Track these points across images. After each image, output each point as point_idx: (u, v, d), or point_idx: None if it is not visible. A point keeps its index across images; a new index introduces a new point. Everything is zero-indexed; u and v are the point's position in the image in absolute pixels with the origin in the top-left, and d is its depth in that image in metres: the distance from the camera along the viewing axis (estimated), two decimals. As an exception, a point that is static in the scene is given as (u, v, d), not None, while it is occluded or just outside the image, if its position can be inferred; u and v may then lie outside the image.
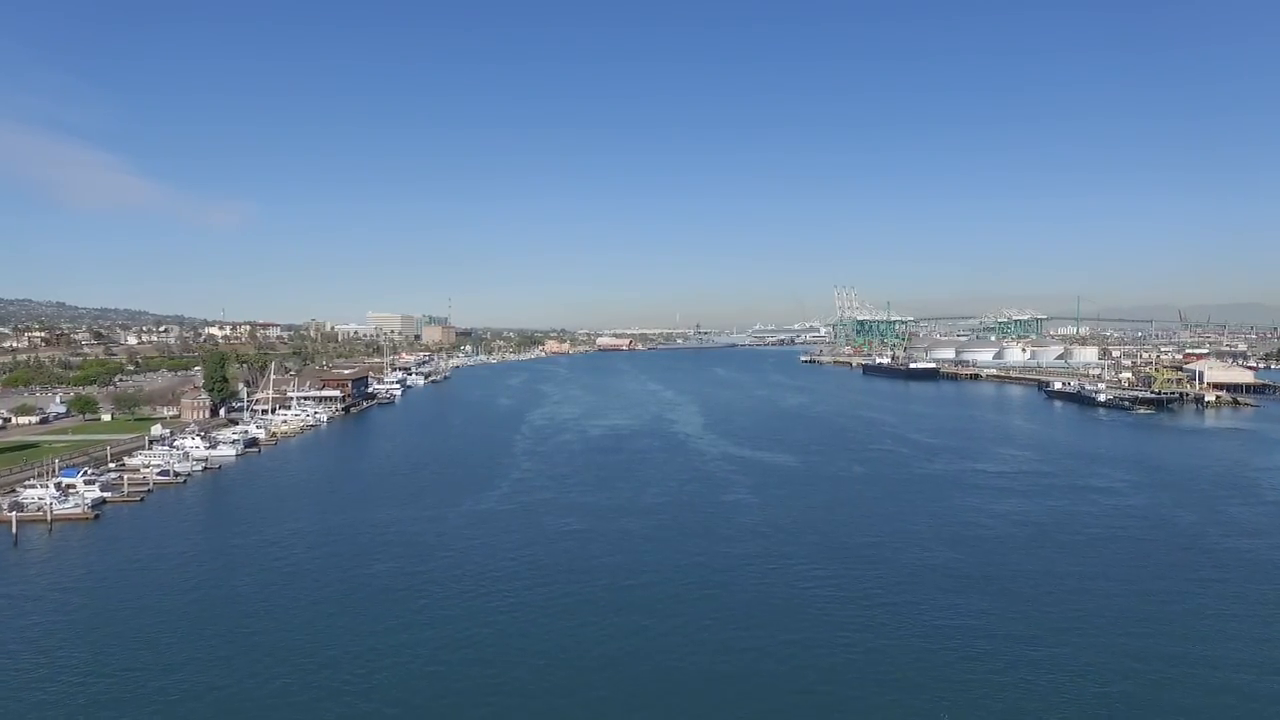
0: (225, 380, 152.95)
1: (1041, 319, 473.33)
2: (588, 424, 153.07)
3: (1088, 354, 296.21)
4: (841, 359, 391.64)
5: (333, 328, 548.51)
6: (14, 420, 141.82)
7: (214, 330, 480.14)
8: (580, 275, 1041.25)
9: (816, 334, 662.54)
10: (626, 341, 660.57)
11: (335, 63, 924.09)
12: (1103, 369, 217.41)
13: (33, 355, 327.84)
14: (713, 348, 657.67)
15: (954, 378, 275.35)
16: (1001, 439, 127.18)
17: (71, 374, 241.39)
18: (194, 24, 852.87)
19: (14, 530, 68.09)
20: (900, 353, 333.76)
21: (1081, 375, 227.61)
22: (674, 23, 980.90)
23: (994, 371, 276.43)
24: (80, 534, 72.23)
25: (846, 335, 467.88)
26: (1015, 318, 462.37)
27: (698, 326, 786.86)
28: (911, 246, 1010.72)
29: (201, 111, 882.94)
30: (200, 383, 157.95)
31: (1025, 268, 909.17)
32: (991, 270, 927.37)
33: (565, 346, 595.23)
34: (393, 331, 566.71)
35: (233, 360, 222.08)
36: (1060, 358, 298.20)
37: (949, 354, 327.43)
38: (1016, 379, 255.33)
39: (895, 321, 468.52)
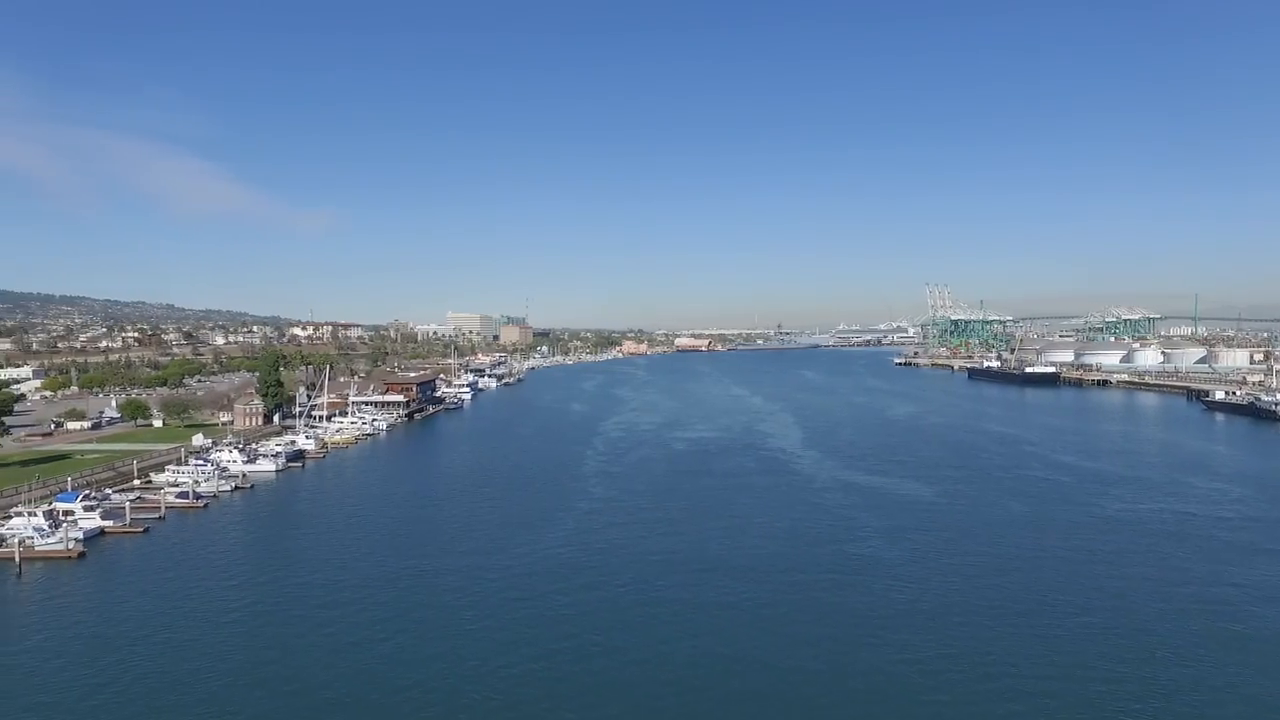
0: (280, 384, 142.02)
1: (1155, 318, 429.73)
2: (668, 436, 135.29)
3: (1237, 357, 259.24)
4: (940, 361, 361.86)
5: (413, 328, 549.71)
6: (65, 425, 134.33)
7: (297, 331, 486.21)
8: (658, 275, 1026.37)
9: (905, 334, 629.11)
10: (705, 342, 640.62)
11: (417, 71, 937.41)
12: (1274, 375, 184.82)
13: (124, 355, 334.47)
14: (795, 348, 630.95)
15: (1077, 383, 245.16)
16: (1186, 465, 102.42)
17: (155, 374, 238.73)
18: (285, 34, 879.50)
19: (-35, 578, 55.10)
20: (1010, 355, 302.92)
21: (1237, 383, 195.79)
22: (748, 21, 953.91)
23: (1125, 377, 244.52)
24: (54, 579, 58.96)
25: (939, 335, 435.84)
26: (1125, 316, 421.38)
27: (779, 327, 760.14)
28: (1002, 242, 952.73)
29: (292, 119, 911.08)
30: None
31: (1126, 265, 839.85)
32: (1089, 268, 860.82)
33: (642, 347, 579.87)
34: (471, 332, 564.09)
35: (297, 362, 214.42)
36: (1203, 361, 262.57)
37: (1066, 356, 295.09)
38: (1154, 386, 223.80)
39: (992, 321, 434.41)
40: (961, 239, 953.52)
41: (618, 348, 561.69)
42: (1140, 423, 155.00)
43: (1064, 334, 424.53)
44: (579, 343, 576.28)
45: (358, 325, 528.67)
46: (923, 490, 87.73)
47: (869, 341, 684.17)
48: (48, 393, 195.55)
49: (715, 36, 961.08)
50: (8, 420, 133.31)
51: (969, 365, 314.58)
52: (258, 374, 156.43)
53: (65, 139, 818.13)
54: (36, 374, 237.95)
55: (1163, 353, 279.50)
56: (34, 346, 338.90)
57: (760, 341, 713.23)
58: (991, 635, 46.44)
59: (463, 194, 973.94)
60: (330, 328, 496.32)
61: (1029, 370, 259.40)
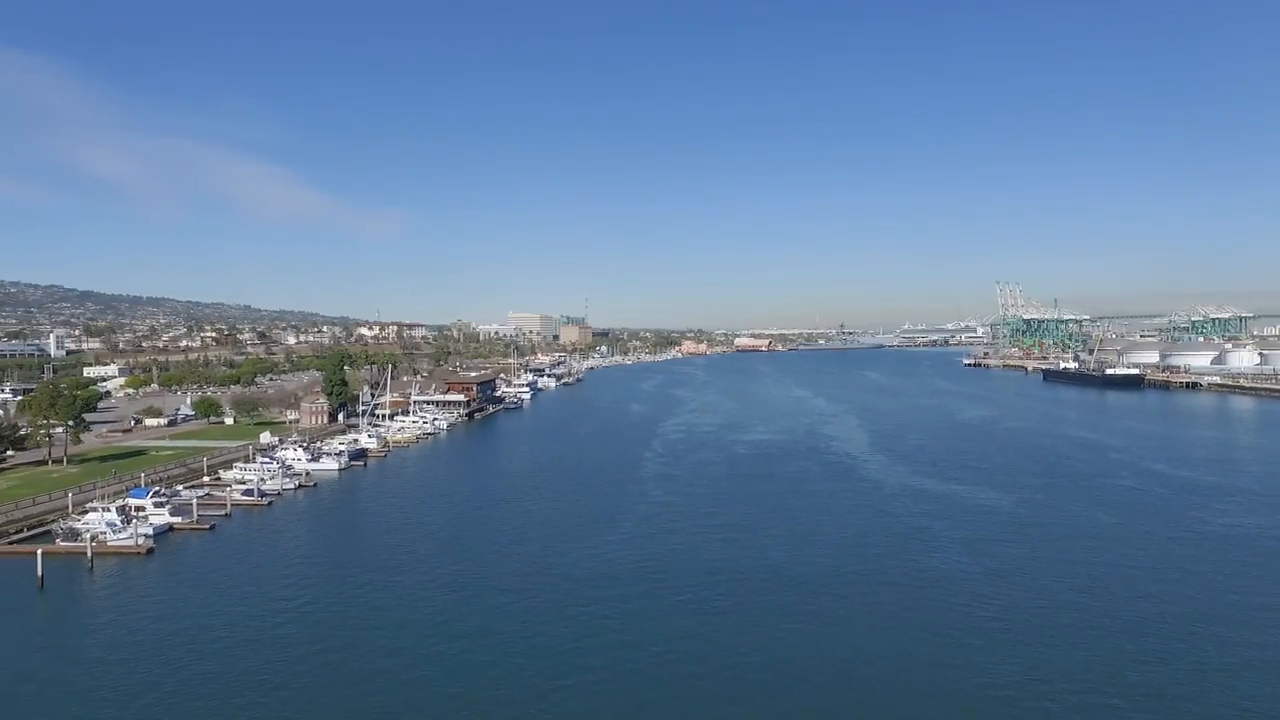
0: (344, 383, 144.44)
1: (1247, 317, 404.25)
2: (728, 438, 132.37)
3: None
4: (1012, 362, 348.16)
5: (475, 328, 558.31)
6: (143, 422, 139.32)
7: (364, 330, 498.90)
8: (718, 275, 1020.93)
9: (973, 334, 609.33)
10: (765, 342, 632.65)
11: (479, 74, 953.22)
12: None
13: (203, 354, 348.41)
14: (858, 348, 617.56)
15: (1163, 386, 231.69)
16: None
17: (230, 373, 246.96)
18: (351, 42, 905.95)
19: (39, 571, 56.30)
20: (1089, 355, 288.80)
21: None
22: (804, 16, 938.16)
23: (1217, 380, 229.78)
24: (124, 574, 60.03)
25: (1010, 335, 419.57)
26: (1214, 315, 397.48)
27: (841, 326, 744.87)
28: (1074, 240, 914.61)
29: (360, 124, 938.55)
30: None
31: (1208, 262, 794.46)
32: (1165, 265, 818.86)
33: (702, 347, 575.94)
34: (532, 331, 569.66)
35: (361, 361, 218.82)
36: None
37: (1150, 357, 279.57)
38: (1251, 389, 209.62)
39: (1068, 320, 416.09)
40: (1032, 236, 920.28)
41: (677, 348, 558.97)
42: (1239, 429, 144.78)
43: (1145, 334, 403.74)
44: (638, 343, 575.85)
45: (422, 325, 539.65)
46: (1000, 499, 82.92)
47: (935, 342, 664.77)
48: (130, 390, 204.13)
49: (775, 33, 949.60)
50: (92, 417, 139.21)
51: (1044, 367, 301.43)
52: (324, 373, 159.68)
53: (152, 148, 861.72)
54: (122, 372, 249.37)
55: (1260, 353, 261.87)
56: (120, 346, 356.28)
57: (822, 341, 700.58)
58: (1083, 660, 42.58)
59: (524, 195, 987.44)
60: (395, 327, 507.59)
61: (1110, 372, 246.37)
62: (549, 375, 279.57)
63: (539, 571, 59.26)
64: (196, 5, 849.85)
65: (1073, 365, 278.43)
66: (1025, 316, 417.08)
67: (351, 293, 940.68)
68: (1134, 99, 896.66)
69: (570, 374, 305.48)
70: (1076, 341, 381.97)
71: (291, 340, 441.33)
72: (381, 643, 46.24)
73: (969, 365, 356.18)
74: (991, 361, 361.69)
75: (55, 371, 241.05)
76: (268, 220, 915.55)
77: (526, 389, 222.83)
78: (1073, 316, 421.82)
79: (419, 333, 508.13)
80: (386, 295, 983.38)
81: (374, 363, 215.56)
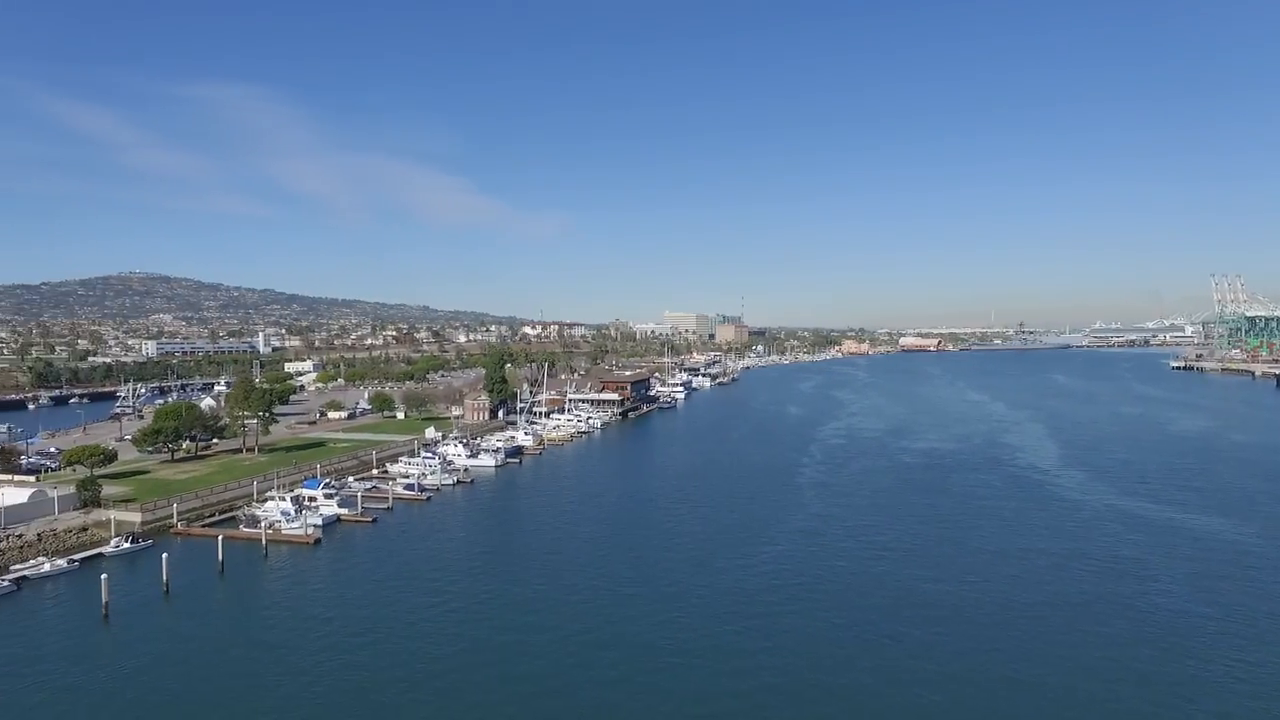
0: (504, 381, 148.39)
1: None
2: (895, 445, 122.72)
3: None
4: (1233, 365, 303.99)
5: (632, 327, 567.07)
6: (326, 415, 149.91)
7: (528, 330, 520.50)
8: (882, 272, 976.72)
9: (1180, 333, 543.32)
10: (934, 342, 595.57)
11: (637, 76, 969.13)
12: None
13: (384, 352, 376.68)
14: (1040, 349, 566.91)
15: None
16: None
17: (406, 369, 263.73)
18: (509, 51, 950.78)
19: (219, 556, 59.82)
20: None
21: None
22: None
23: None
24: (294, 561, 62.77)
25: (1229, 335, 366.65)
26: None
27: (1020, 325, 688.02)
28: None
29: (527, 132, 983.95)
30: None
31: None
32: None
33: (864, 347, 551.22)
34: (687, 330, 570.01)
35: (522, 360, 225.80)
36: None
37: None
38: None
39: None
40: (1255, 224, 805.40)
41: (836, 347, 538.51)
42: None
43: None
44: (795, 342, 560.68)
45: (581, 324, 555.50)
46: (1233, 528, 69.70)
47: (1132, 342, 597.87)
48: (320, 384, 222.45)
49: (953, 12, 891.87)
50: (284, 409, 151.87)
51: (1276, 371, 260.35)
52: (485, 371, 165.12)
53: (344, 164, 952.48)
54: (315, 368, 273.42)
55: None
56: (316, 344, 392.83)
57: (998, 341, 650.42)
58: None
59: (682, 196, 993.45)
60: (557, 327, 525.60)
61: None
62: (704, 375, 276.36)
63: (688, 583, 55.66)
64: (374, 29, 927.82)
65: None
66: (1249, 314, 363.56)
67: (518, 293, 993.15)
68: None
69: (725, 373, 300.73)
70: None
71: (462, 339, 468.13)
72: (525, 645, 44.49)
73: (1177, 368, 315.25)
74: (1207, 365, 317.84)
75: (262, 367, 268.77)
76: (443, 226, 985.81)
77: (680, 388, 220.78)
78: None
79: (578, 332, 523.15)
80: (550, 295, 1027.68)
81: (533, 361, 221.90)
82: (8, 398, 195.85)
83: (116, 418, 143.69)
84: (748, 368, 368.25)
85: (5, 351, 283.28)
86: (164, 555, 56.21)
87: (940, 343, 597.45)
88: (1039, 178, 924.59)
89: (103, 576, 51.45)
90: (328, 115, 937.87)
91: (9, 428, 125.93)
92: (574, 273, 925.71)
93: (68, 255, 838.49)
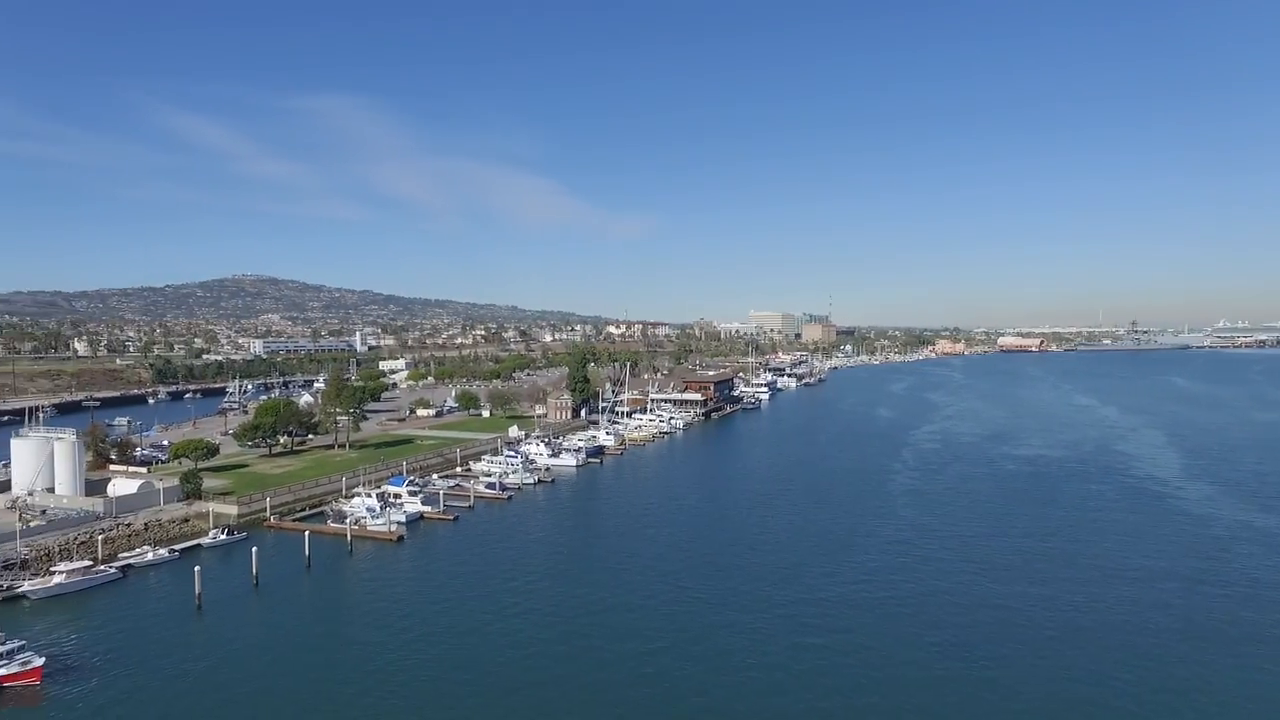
0: (586, 380, 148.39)
1: None
2: (994, 452, 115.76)
3: None
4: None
5: (716, 326, 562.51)
6: (415, 413, 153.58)
7: (612, 329, 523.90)
8: (975, 270, 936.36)
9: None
10: (1036, 341, 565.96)
11: (722, 75, 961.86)
12: None
13: (473, 351, 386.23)
14: (1156, 349, 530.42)
15: None
16: None
17: (494, 368, 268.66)
18: (605, 56, 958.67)
19: (305, 551, 61.02)
20: None
21: None
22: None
23: None
24: (377, 557, 63.51)
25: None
26: None
27: (1132, 324, 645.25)
28: None
29: (615, 135, 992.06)
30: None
31: None
32: None
33: (959, 347, 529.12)
34: (773, 330, 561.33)
35: (605, 359, 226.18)
36: None
37: None
38: None
39: None
40: None
41: (930, 347, 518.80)
42: None
43: None
44: (886, 342, 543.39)
45: (665, 324, 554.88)
46: (1398, 554, 61.67)
47: (1262, 342, 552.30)
48: (411, 382, 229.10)
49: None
50: (376, 406, 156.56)
51: None
52: (568, 369, 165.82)
53: (438, 168, 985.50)
54: (407, 366, 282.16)
55: None
56: (409, 343, 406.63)
57: (1107, 341, 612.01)
58: None
59: (769, 194, 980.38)
60: (640, 326, 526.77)
61: None
62: (789, 375, 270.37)
63: (771, 592, 53.14)
64: (465, 37, 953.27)
65: None
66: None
67: (603, 293, 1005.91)
68: None
69: (812, 374, 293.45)
70: None
71: (548, 338, 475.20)
72: (600, 653, 43.10)
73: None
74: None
75: (358, 364, 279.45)
76: (532, 227, 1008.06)
77: (765, 389, 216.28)
78: None
79: (662, 331, 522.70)
80: (634, 295, 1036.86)
81: (616, 360, 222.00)
82: (131, 392, 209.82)
83: (223, 413, 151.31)
84: (835, 368, 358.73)
85: (130, 349, 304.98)
86: (253, 549, 57.66)
87: (1043, 343, 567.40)
88: (1162, 170, 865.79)
89: (195, 569, 53.06)
90: (422, 121, 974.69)
91: (129, 421, 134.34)
92: (659, 272, 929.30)
93: (188, 259, 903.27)
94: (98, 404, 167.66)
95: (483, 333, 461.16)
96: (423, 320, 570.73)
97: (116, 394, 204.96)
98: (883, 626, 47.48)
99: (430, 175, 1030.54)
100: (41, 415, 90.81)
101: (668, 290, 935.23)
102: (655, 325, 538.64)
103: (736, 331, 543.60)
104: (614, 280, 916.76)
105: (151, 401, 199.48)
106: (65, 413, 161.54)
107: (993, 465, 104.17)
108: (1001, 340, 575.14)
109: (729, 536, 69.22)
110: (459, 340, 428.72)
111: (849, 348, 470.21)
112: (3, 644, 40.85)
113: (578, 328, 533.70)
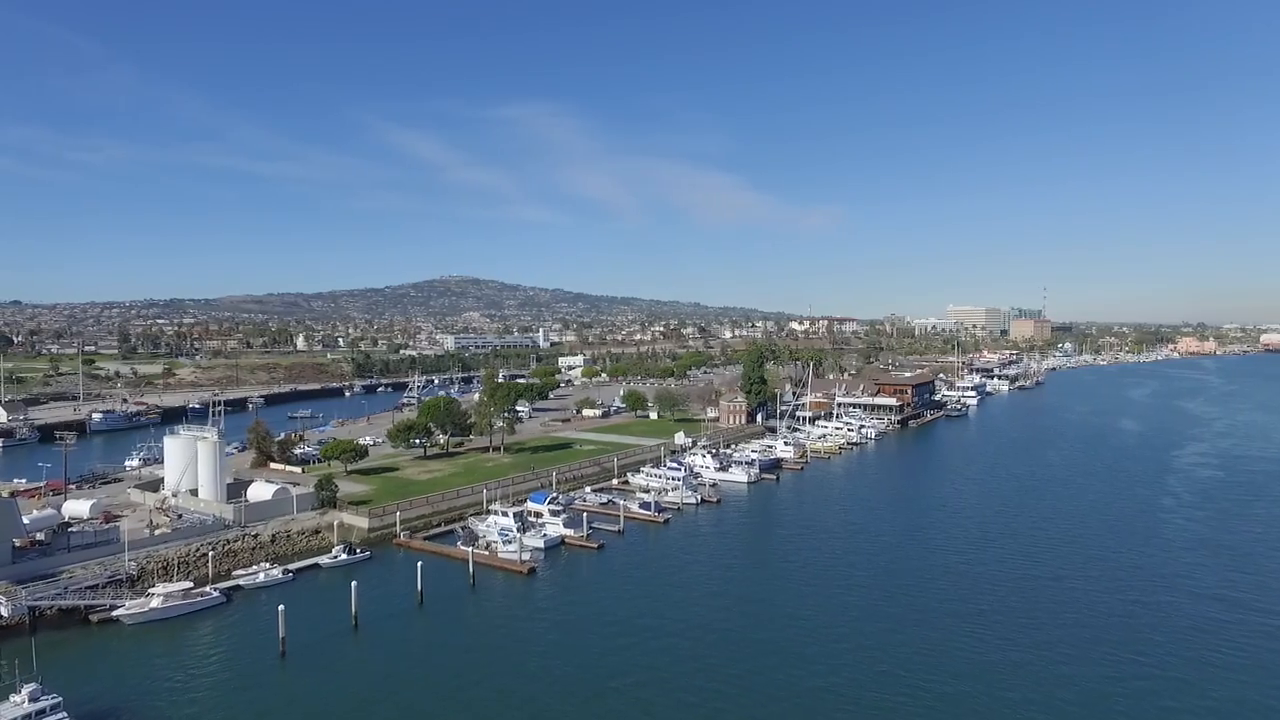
0: (763, 381, 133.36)
1: None
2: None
3: None
4: None
5: (909, 322, 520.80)
6: (580, 413, 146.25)
7: (795, 325, 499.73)
8: (1223, 258, 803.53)
9: None
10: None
11: (910, 61, 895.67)
12: None
13: (652, 347, 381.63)
14: None
15: None
16: None
17: (670, 365, 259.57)
18: (788, 50, 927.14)
19: (419, 586, 51.93)
20: None
21: None
22: None
23: None
24: (502, 597, 53.47)
25: None
26: None
27: None
28: None
29: (800, 128, 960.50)
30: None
31: None
32: None
33: (1208, 345, 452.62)
34: (974, 326, 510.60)
35: (785, 357, 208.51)
36: None
37: None
38: None
39: None
40: None
41: (1170, 345, 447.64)
42: None
43: None
44: (1113, 339, 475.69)
45: (853, 320, 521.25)
46: None
47: None
48: (585, 379, 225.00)
49: None
50: (545, 404, 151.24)
51: None
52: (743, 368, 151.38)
53: (626, 168, 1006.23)
54: (586, 362, 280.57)
55: None
56: (589, 339, 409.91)
57: None
58: None
59: (969, 183, 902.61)
60: (825, 322, 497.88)
61: None
62: (999, 376, 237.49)
63: (997, 676, 36.36)
64: (648, 37, 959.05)
65: None
66: None
67: (788, 288, 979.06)
68: None
69: (1026, 375, 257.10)
70: None
71: (728, 334, 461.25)
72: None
73: None
74: None
75: (539, 360, 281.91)
76: (717, 223, 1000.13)
77: (972, 392, 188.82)
78: None
79: (849, 327, 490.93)
80: (819, 290, 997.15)
81: (798, 359, 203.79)
82: (330, 385, 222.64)
83: (400, 408, 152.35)
84: (1053, 369, 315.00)
85: (340, 344, 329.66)
86: (354, 584, 49.09)
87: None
88: None
89: (279, 608, 44.87)
90: (611, 123, 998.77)
91: (310, 413, 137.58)
92: (846, 266, 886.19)
93: (404, 262, 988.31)
94: (262, 401, 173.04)
95: (661, 329, 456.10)
96: (609, 317, 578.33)
97: (318, 386, 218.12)
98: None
99: (618, 175, 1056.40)
100: (214, 409, 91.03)
101: (855, 284, 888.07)
102: (842, 321, 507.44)
103: (932, 327, 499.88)
104: (798, 275, 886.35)
105: (348, 395, 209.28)
106: (273, 404, 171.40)
107: (1312, 506, 77.26)
108: (1265, 338, 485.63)
109: (940, 584, 52.51)
110: (638, 336, 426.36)
111: (1068, 345, 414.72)
112: (35, 700, 34.15)
113: (759, 324, 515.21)
